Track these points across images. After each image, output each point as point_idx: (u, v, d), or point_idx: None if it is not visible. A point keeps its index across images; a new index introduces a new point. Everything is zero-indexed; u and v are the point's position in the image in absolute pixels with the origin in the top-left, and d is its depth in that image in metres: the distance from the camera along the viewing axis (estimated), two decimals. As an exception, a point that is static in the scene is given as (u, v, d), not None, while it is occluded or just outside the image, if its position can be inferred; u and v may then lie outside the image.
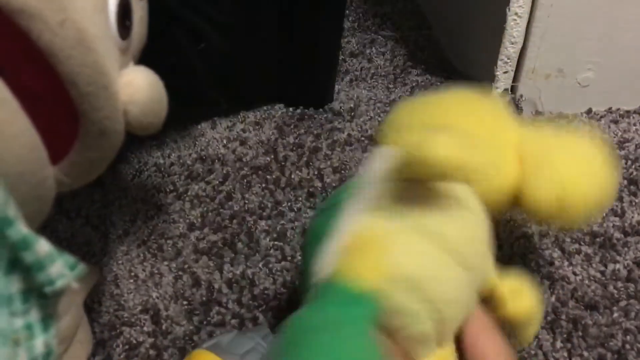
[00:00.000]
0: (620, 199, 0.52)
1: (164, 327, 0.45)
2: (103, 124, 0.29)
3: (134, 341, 0.44)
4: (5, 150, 0.27)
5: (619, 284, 0.45)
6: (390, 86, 0.68)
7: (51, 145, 0.29)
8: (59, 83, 0.27)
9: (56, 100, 0.28)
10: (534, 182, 0.36)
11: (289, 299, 0.46)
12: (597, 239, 0.48)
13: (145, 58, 0.36)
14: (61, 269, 0.27)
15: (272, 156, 0.58)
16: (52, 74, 0.27)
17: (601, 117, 0.62)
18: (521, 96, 0.61)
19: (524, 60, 0.59)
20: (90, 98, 0.28)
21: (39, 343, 0.28)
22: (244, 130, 0.62)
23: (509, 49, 0.58)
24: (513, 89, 0.61)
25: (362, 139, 0.60)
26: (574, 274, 0.46)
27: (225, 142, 0.61)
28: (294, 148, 0.59)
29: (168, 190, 0.56)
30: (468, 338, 0.31)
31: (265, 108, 0.65)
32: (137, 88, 0.30)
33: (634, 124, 0.60)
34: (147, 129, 0.32)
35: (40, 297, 0.29)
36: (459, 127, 0.37)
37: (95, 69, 0.27)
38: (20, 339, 0.27)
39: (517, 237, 0.49)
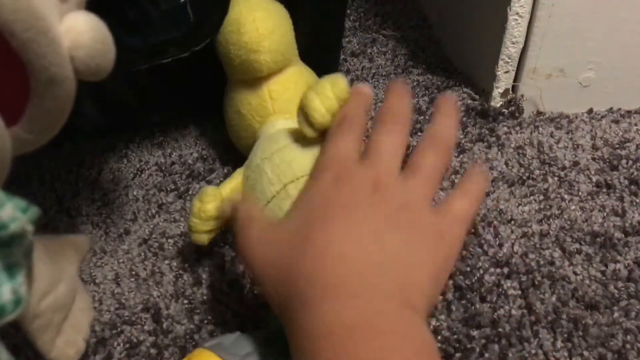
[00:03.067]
0: (621, 198, 0.52)
1: (164, 326, 0.45)
2: (50, 71, 0.29)
3: (135, 340, 0.44)
4: None
5: (620, 284, 0.45)
6: (391, 86, 0.68)
7: (6, 106, 0.30)
8: None
9: (0, 54, 0.28)
10: None
11: (290, 298, 0.46)
12: (598, 239, 0.48)
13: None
14: (12, 212, 0.28)
15: (273, 155, 0.58)
16: None
17: (602, 117, 0.62)
18: (522, 96, 0.61)
19: (525, 60, 0.59)
20: (31, 45, 0.28)
21: (6, 290, 0.29)
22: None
23: (510, 49, 0.58)
24: (514, 89, 0.61)
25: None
26: (575, 273, 0.46)
27: (226, 141, 0.61)
28: (295, 147, 0.59)
29: (169, 189, 0.56)
30: None
31: (266, 107, 0.65)
32: (79, 32, 0.30)
33: (635, 124, 0.60)
34: (97, 73, 0.32)
35: (1, 246, 0.29)
36: None
37: (29, 14, 0.27)
38: None
39: (517, 237, 0.49)
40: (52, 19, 0.29)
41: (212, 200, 0.45)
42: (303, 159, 0.44)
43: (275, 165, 0.45)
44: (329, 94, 0.42)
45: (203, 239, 0.46)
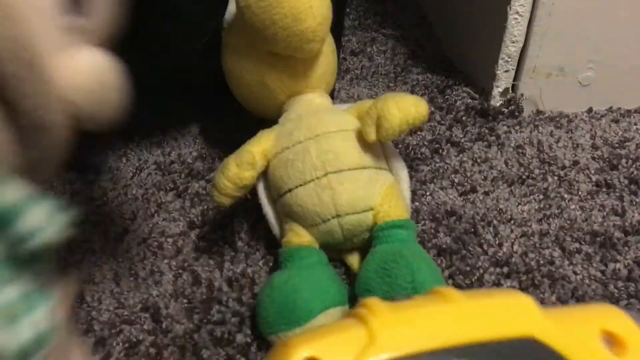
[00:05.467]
0: (620, 198, 0.52)
1: (164, 325, 0.45)
2: (36, 115, 0.24)
3: (134, 339, 0.44)
4: None
5: (620, 284, 0.45)
6: (391, 85, 0.68)
7: None
8: None
9: None
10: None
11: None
12: (598, 238, 0.48)
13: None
14: (37, 219, 0.23)
15: (273, 154, 0.58)
16: None
17: (602, 116, 0.62)
18: (522, 95, 0.61)
19: (525, 59, 0.59)
20: (14, 81, 0.23)
21: (25, 327, 0.23)
22: (244, 129, 0.62)
23: (510, 48, 0.58)
24: (514, 88, 0.61)
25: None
26: (575, 273, 0.46)
27: (225, 140, 0.60)
28: (295, 146, 0.59)
29: (168, 188, 0.56)
30: None
31: (265, 106, 0.64)
32: (81, 71, 0.25)
33: (635, 124, 0.60)
34: (96, 121, 0.27)
35: (30, 261, 0.24)
36: None
37: (17, 43, 0.22)
38: (17, 311, 0.23)
39: (516, 236, 0.49)
40: (47, 53, 0.24)
41: (250, 169, 0.45)
42: (352, 154, 0.45)
43: (322, 151, 0.45)
44: (409, 118, 0.44)
45: (227, 202, 0.46)
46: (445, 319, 0.25)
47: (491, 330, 0.25)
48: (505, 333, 0.25)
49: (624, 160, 0.55)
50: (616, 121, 0.61)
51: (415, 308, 0.26)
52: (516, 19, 0.56)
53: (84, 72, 0.25)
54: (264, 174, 0.48)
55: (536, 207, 0.52)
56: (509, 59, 0.59)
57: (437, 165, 0.56)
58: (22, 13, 0.23)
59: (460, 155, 0.57)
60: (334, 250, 0.47)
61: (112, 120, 0.27)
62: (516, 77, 0.61)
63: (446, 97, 0.65)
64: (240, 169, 0.45)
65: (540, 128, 0.60)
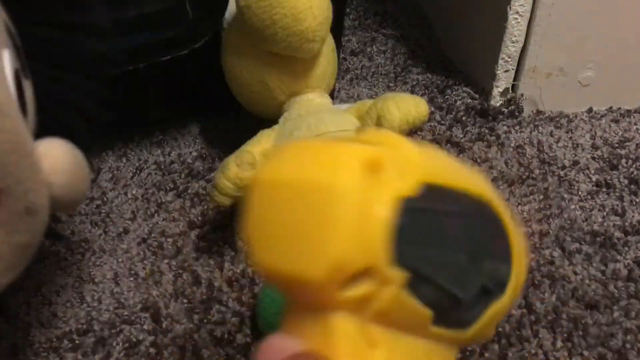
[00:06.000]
0: (620, 198, 0.52)
1: (164, 325, 0.45)
2: (28, 199, 0.26)
3: (134, 339, 0.44)
4: None
5: (620, 284, 0.45)
6: (391, 85, 0.68)
7: None
8: None
9: None
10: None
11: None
12: (598, 238, 0.48)
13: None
14: None
15: (273, 154, 0.58)
16: None
17: (602, 116, 0.62)
18: (522, 95, 0.61)
19: (525, 59, 0.59)
20: (13, 169, 0.25)
21: None
22: (244, 129, 0.62)
23: (510, 48, 0.58)
24: (514, 88, 0.61)
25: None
26: (575, 273, 0.46)
27: (226, 140, 0.60)
28: (295, 146, 0.59)
29: (168, 188, 0.56)
30: None
31: (265, 106, 0.64)
32: (57, 157, 0.28)
33: (635, 123, 0.60)
34: (74, 201, 0.30)
35: None
36: None
37: (14, 135, 0.25)
38: None
39: (517, 236, 0.49)
40: (32, 143, 0.27)
41: (250, 169, 0.46)
42: None
43: None
44: (409, 118, 0.45)
45: (227, 202, 0.46)
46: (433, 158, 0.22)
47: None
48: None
49: (624, 160, 0.55)
50: (616, 121, 0.61)
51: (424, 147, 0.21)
52: (516, 18, 0.56)
53: (58, 157, 0.28)
54: None
55: (536, 207, 0.52)
56: (509, 59, 0.59)
57: (437, 165, 0.56)
58: (5, 103, 0.26)
59: (460, 155, 0.57)
60: None
61: (82, 201, 0.31)
62: (516, 77, 0.61)
63: (446, 97, 0.65)
64: (240, 169, 0.45)
65: (540, 128, 0.60)
